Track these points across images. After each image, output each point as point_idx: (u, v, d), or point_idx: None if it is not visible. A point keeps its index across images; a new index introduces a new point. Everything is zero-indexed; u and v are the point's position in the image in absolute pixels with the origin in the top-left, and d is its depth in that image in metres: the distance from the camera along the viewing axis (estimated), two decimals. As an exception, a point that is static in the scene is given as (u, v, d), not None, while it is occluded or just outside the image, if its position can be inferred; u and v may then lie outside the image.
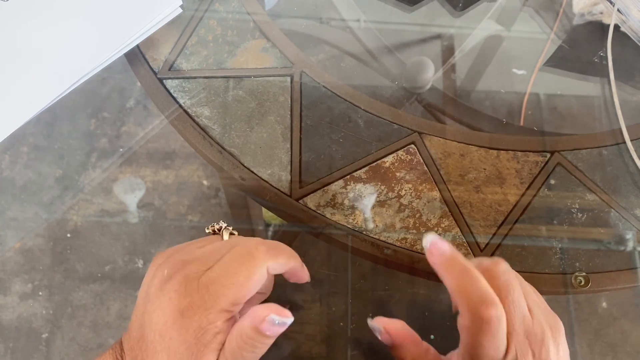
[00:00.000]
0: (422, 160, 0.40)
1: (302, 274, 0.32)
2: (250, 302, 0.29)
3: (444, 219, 0.38)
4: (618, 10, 0.48)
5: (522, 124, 0.47)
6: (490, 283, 0.28)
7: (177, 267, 0.28)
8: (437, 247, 0.30)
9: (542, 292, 0.37)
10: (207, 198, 0.42)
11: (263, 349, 0.27)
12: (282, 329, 0.27)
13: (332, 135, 0.41)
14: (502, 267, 0.30)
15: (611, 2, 0.49)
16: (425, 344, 0.31)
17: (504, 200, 0.39)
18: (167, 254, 0.29)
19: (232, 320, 0.27)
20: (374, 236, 0.38)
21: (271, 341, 0.27)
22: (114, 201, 0.40)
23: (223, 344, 0.27)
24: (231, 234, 0.32)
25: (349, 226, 0.38)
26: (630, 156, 0.41)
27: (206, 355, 0.26)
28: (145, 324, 0.27)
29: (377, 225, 0.38)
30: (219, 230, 0.31)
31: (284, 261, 0.29)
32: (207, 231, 0.32)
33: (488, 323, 0.26)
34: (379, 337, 0.31)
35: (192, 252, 0.29)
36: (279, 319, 0.27)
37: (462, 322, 0.28)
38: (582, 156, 0.41)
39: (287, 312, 0.27)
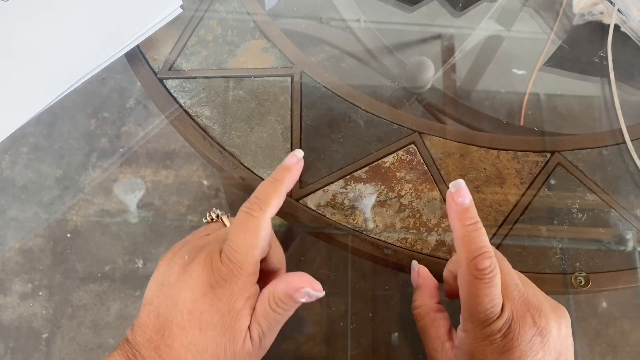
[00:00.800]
0: (422, 160, 0.40)
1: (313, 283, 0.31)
2: (266, 276, 0.31)
3: (444, 219, 0.38)
4: (618, 10, 0.48)
5: (522, 124, 0.47)
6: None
7: (197, 250, 0.29)
8: (461, 194, 0.31)
9: (542, 292, 0.37)
10: (207, 198, 0.42)
11: (292, 311, 0.30)
12: (313, 300, 0.29)
13: (332, 135, 0.41)
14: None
15: (611, 2, 0.49)
16: (443, 307, 0.33)
17: (504, 200, 0.39)
18: (176, 248, 0.31)
19: (257, 284, 0.29)
20: (374, 236, 0.38)
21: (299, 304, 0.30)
22: (114, 201, 0.40)
23: (254, 308, 0.29)
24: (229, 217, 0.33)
25: (349, 226, 0.38)
26: (631, 156, 0.41)
27: (240, 321, 0.28)
28: (167, 310, 0.27)
29: (377, 225, 0.38)
30: (217, 217, 0.33)
31: (278, 201, 0.31)
32: (205, 220, 0.33)
33: (483, 272, 0.28)
34: (411, 274, 0.35)
35: (204, 237, 0.31)
36: (314, 292, 0.29)
37: (461, 272, 0.30)
38: (582, 156, 0.41)
39: (320, 286, 0.29)
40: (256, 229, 0.29)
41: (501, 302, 0.29)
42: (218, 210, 0.34)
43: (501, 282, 0.29)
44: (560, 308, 0.30)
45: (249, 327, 0.28)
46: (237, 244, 0.29)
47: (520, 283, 0.30)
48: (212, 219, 0.34)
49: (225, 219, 0.33)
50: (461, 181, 0.32)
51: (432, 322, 0.32)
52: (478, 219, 0.31)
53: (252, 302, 0.29)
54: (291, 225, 0.40)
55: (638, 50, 0.48)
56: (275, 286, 0.29)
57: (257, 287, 0.29)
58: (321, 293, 0.29)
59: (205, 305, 0.27)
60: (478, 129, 0.46)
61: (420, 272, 0.35)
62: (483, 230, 0.30)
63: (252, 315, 0.28)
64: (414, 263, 0.35)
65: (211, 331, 0.27)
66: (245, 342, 0.28)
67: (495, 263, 0.29)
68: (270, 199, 0.30)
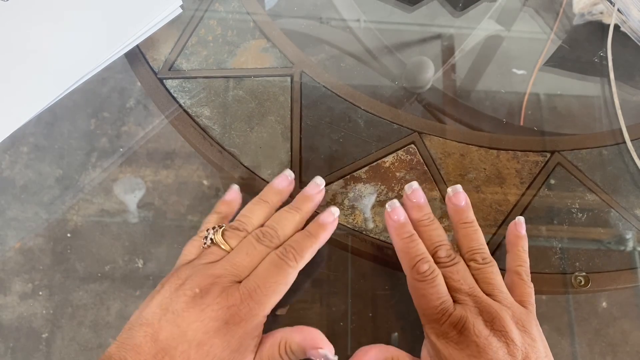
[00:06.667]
0: (422, 160, 0.40)
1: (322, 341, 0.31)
2: None
3: (444, 219, 0.38)
4: (618, 10, 0.48)
5: (522, 123, 0.47)
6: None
7: (208, 282, 0.29)
8: (396, 212, 0.34)
9: (542, 292, 0.37)
10: (207, 198, 0.42)
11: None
12: None
13: (332, 135, 0.41)
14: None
15: (611, 2, 0.49)
16: None
17: (504, 200, 0.39)
18: (183, 275, 0.30)
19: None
20: (374, 236, 0.38)
21: None
22: (114, 201, 0.40)
23: (257, 345, 0.29)
24: (224, 231, 0.32)
25: (349, 226, 0.38)
26: (631, 156, 0.41)
27: (246, 358, 0.28)
28: (171, 337, 0.27)
29: (377, 225, 0.38)
30: (212, 241, 0.32)
31: (310, 254, 0.32)
32: (203, 247, 0.32)
33: (424, 274, 0.31)
34: None
35: (210, 267, 0.30)
36: (331, 357, 0.29)
37: (408, 281, 0.32)
38: (582, 156, 0.41)
39: (333, 351, 0.30)
40: (287, 278, 0.30)
41: (450, 300, 0.30)
42: (210, 233, 0.33)
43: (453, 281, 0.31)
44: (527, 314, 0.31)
45: None
46: (266, 286, 0.29)
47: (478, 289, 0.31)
48: (208, 245, 0.32)
49: (219, 239, 0.32)
50: (395, 201, 0.34)
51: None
52: (412, 231, 0.33)
53: (259, 340, 0.29)
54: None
55: (638, 50, 0.48)
56: (291, 335, 0.30)
57: (263, 325, 0.30)
58: (335, 358, 0.29)
59: (216, 340, 0.27)
60: (478, 129, 0.46)
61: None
62: (419, 241, 0.33)
63: (256, 353, 0.29)
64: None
65: None
66: None
67: (434, 266, 0.31)
68: (305, 253, 0.32)
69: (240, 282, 0.30)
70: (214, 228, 0.33)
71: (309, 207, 0.35)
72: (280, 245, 0.32)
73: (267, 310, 0.29)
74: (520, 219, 0.35)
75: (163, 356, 0.27)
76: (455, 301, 0.30)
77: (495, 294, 0.31)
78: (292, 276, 0.31)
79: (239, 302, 0.28)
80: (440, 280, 0.31)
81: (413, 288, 0.32)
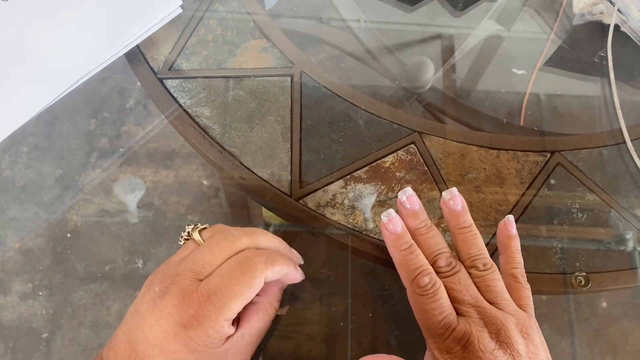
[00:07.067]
0: (422, 160, 0.40)
1: (295, 277, 0.33)
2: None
3: (444, 219, 0.38)
4: (618, 10, 0.48)
5: (522, 124, 0.47)
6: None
7: (169, 282, 0.28)
8: (393, 222, 0.32)
9: (542, 292, 0.37)
10: (207, 198, 0.42)
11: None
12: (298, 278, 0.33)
13: (332, 135, 0.41)
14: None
15: (611, 2, 0.49)
16: None
17: (504, 200, 0.39)
18: (154, 274, 0.30)
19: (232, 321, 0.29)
20: (374, 236, 0.38)
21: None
22: (114, 201, 0.40)
23: (226, 350, 0.28)
24: (203, 229, 0.32)
25: (349, 226, 0.38)
26: (631, 156, 0.41)
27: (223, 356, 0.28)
28: (138, 340, 0.27)
29: (377, 225, 0.38)
30: (188, 235, 0.32)
31: (280, 268, 0.30)
32: (181, 242, 0.32)
33: (424, 288, 0.29)
34: None
35: (177, 264, 0.29)
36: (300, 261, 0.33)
37: (408, 294, 0.31)
38: (582, 156, 0.41)
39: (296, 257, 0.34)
40: (253, 281, 0.28)
41: (453, 313, 0.29)
42: (189, 227, 0.32)
43: (457, 294, 0.30)
44: (527, 318, 0.30)
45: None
46: (228, 287, 0.27)
47: (483, 300, 0.30)
48: (186, 238, 0.32)
49: (196, 235, 0.31)
50: (392, 211, 0.33)
51: None
52: (411, 241, 0.32)
53: (225, 343, 0.28)
54: (291, 225, 0.40)
55: (638, 50, 0.48)
56: (274, 291, 0.31)
57: (231, 325, 0.28)
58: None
59: (177, 345, 0.26)
60: (478, 129, 0.46)
61: None
62: (418, 252, 0.31)
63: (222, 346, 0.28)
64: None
65: None
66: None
67: (435, 278, 0.30)
68: (276, 264, 0.30)
69: (202, 280, 0.28)
70: (195, 225, 0.32)
71: (291, 254, 0.34)
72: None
73: (229, 315, 0.27)
74: (510, 218, 0.34)
75: (135, 359, 0.26)
76: (458, 313, 0.30)
77: (498, 301, 0.30)
78: (258, 282, 0.28)
79: (197, 305, 0.27)
80: (442, 292, 0.30)
81: (414, 302, 0.30)
